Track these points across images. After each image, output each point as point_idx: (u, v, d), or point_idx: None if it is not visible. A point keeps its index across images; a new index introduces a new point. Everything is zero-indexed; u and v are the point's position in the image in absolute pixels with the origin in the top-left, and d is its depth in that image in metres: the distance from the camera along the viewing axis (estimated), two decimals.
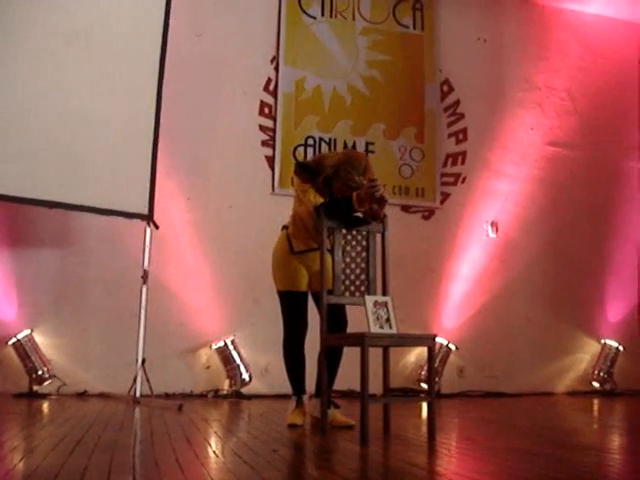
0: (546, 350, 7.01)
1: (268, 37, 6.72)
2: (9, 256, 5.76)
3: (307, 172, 3.87)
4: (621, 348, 7.08)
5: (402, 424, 4.04)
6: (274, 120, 6.63)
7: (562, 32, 7.62)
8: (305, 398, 3.96)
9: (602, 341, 7.17)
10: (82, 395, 5.64)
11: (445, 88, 7.19)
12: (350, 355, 3.80)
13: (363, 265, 3.75)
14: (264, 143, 6.58)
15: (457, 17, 7.31)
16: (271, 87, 6.66)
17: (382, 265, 3.82)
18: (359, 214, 3.75)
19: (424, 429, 3.70)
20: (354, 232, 3.77)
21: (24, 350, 5.58)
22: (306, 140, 6.65)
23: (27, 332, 5.65)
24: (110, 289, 5.90)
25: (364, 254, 3.77)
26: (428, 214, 6.96)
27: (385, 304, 3.53)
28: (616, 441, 3.71)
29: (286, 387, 4.07)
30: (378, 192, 3.58)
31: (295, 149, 6.60)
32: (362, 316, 3.53)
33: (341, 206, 3.71)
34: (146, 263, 5.42)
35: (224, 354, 6.06)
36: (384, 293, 3.76)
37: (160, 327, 5.68)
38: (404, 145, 6.94)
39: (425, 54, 7.17)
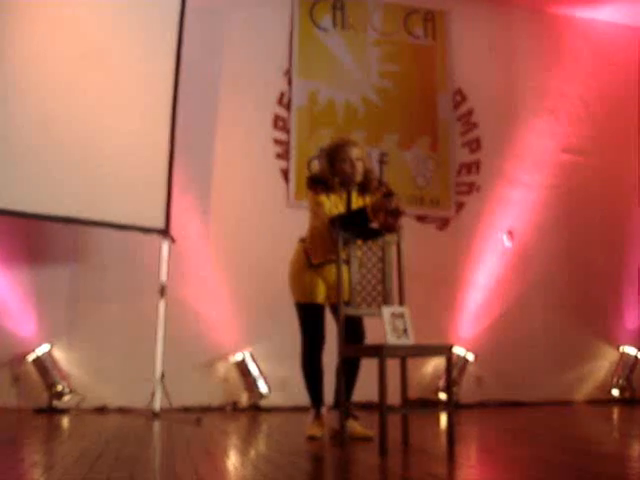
0: (564, 358, 6.96)
1: (281, 50, 6.77)
2: (27, 272, 5.81)
3: (318, 182, 3.92)
4: None
5: (421, 435, 4.02)
6: (288, 133, 6.66)
7: (574, 39, 7.61)
8: (324, 410, 3.96)
9: (620, 348, 7.11)
10: (101, 410, 5.66)
11: (458, 97, 7.20)
12: (368, 366, 3.80)
13: (379, 276, 3.76)
14: (279, 156, 6.61)
15: (468, 26, 7.32)
16: (284, 100, 6.70)
17: (398, 276, 3.82)
18: (374, 225, 3.76)
19: (443, 440, 3.69)
20: (370, 243, 3.78)
21: (43, 365, 5.62)
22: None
23: (46, 347, 5.69)
24: (128, 303, 5.92)
25: (380, 265, 3.77)
26: (443, 224, 6.95)
27: (402, 315, 3.53)
28: (637, 449, 3.68)
29: (304, 399, 4.08)
30: (392, 204, 3.60)
31: (309, 161, 6.62)
32: (378, 327, 3.53)
33: (356, 218, 3.73)
34: (163, 277, 5.45)
35: (242, 367, 6.07)
36: (401, 304, 3.76)
37: (178, 341, 5.68)
38: (418, 155, 6.95)
39: (437, 64, 7.18)
